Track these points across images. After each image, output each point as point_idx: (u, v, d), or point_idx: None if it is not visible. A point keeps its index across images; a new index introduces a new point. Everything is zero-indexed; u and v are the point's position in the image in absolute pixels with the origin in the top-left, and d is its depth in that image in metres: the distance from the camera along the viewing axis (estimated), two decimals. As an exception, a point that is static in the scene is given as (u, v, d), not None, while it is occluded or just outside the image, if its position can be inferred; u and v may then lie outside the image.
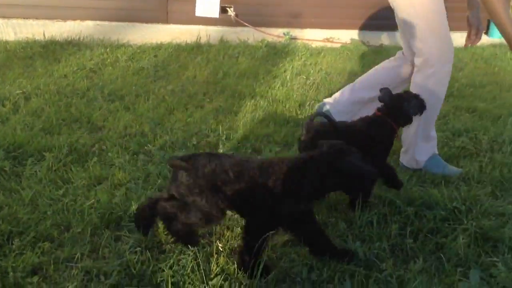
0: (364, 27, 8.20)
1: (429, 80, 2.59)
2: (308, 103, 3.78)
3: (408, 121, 2.40)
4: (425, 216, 2.18)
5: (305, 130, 2.24)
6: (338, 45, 6.62)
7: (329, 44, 6.72)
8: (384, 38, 7.29)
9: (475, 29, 2.76)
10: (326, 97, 4.05)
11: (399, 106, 2.33)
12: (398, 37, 7.54)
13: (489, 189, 2.48)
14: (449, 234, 2.03)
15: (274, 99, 3.83)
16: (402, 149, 2.80)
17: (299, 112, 3.52)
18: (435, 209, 2.23)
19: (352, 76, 4.90)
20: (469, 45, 2.85)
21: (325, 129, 2.28)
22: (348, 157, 1.63)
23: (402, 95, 2.41)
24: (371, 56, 6.06)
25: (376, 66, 3.11)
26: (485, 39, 7.91)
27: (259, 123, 3.27)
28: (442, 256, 1.88)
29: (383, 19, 8.32)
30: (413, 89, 2.60)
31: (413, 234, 2.05)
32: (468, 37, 2.81)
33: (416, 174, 2.65)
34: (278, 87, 4.17)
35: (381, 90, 2.37)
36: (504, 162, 2.81)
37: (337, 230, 2.05)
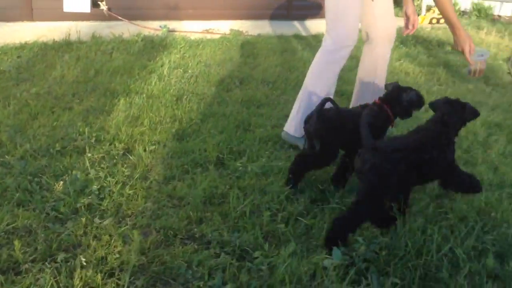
0: (243, 17, 8.32)
1: (324, 57, 2.87)
2: (185, 96, 3.73)
3: (406, 113, 2.48)
4: (297, 200, 2.27)
5: (316, 116, 2.31)
6: (218, 36, 6.63)
7: (208, 36, 6.70)
8: (262, 28, 7.45)
9: (412, 20, 3.08)
10: (205, 89, 4.06)
11: (397, 96, 2.44)
12: (276, 26, 7.76)
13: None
14: (318, 215, 2.12)
15: (150, 95, 3.73)
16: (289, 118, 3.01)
17: (175, 107, 3.46)
18: (307, 192, 2.33)
19: (232, 67, 4.94)
20: (409, 33, 3.18)
21: (330, 115, 2.36)
22: None
23: (403, 87, 2.51)
24: (250, 46, 6.16)
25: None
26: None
27: (133, 122, 3.15)
28: (310, 237, 1.97)
29: (262, 9, 8.54)
30: (313, 63, 2.94)
31: (285, 219, 2.11)
32: (406, 27, 3.14)
33: (290, 160, 2.73)
34: (155, 82, 4.06)
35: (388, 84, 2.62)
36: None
37: (212, 224, 2.05)
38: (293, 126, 2.94)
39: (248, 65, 5.13)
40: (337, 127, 2.33)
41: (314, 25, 8.42)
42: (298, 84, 4.29)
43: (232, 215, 2.11)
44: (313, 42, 6.59)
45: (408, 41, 6.78)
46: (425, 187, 2.41)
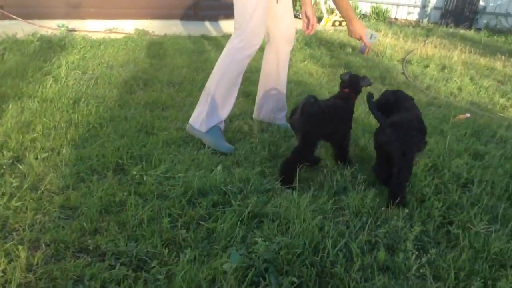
0: (149, 17, 8.13)
1: (231, 55, 2.89)
2: (83, 99, 3.55)
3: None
4: (199, 203, 2.24)
5: (300, 110, 2.48)
6: (121, 36, 6.42)
7: (112, 35, 6.46)
8: (169, 28, 7.32)
9: (312, 21, 3.13)
10: (105, 91, 3.89)
11: (357, 83, 2.83)
12: (183, 26, 7.67)
13: (258, 169, 2.65)
14: (220, 218, 2.11)
15: (44, 99, 3.50)
16: (194, 114, 3.00)
17: (71, 111, 3.27)
18: (210, 195, 2.30)
19: (136, 68, 4.79)
20: (311, 33, 3.22)
21: (313, 109, 2.49)
22: None
23: (357, 75, 2.89)
24: (156, 46, 6.03)
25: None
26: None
27: (24, 128, 2.93)
28: (212, 241, 1.95)
29: (169, 9, 8.39)
30: (219, 59, 2.96)
31: (186, 224, 2.07)
32: (306, 27, 3.17)
33: (194, 163, 2.69)
34: (50, 85, 3.83)
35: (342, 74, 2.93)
36: (272, 141, 3.06)
37: (108, 234, 1.95)
38: (199, 120, 2.95)
39: (154, 66, 5.01)
40: (320, 120, 2.53)
41: (223, 26, 8.46)
42: (204, 86, 4.27)
43: (130, 224, 2.03)
44: (221, 43, 6.59)
45: (312, 43, 7.03)
46: (323, 184, 2.50)
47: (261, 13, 2.84)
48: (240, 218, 2.09)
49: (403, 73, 5.64)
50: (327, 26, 9.67)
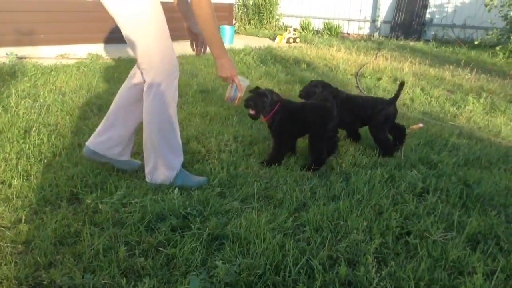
0: (102, 41, 8.03)
1: (157, 98, 2.50)
2: (34, 128, 3.45)
3: None
4: (157, 229, 2.19)
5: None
6: (74, 61, 6.30)
7: (64, 61, 6.33)
8: (123, 51, 7.24)
9: (200, 38, 2.86)
10: (58, 119, 3.79)
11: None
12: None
13: (218, 190, 2.63)
14: (179, 243, 2.07)
15: (-7, 130, 3.38)
16: (149, 167, 2.65)
17: (22, 141, 3.16)
18: (168, 220, 2.26)
19: (89, 93, 4.70)
20: (201, 54, 2.95)
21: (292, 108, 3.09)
22: None
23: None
24: (110, 70, 5.94)
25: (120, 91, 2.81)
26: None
27: (-29, 162, 2.81)
28: (172, 267, 1.91)
29: (120, 32, 8.33)
30: (146, 108, 2.54)
31: (144, 251, 2.03)
32: (196, 46, 2.90)
33: (151, 188, 2.64)
34: (0, 115, 3.69)
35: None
36: (230, 160, 3.05)
37: (63, 267, 1.88)
38: (159, 175, 2.64)
39: (108, 91, 4.93)
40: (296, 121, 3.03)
41: (181, 47, 8.46)
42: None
43: (86, 255, 1.96)
44: (181, 66, 6.57)
45: (267, 60, 7.12)
46: (283, 201, 2.50)
47: (164, 37, 2.47)
48: (200, 242, 2.06)
49: (357, 87, 5.77)
50: (282, 43, 9.83)
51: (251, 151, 3.29)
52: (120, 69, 6.01)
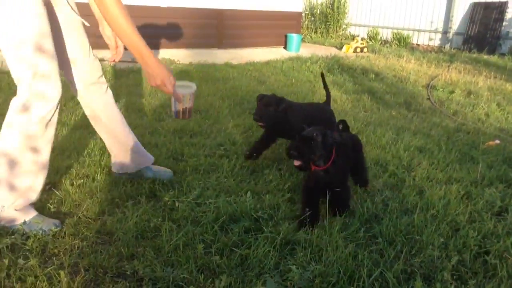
0: (173, 46, 8.32)
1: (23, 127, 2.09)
2: (115, 127, 3.64)
3: None
4: (231, 230, 2.26)
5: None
6: (148, 65, 6.60)
7: (138, 65, 6.63)
8: (193, 56, 7.49)
9: (116, 42, 2.54)
10: (136, 119, 3.98)
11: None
12: (207, 55, 7.82)
13: (288, 195, 2.67)
14: (252, 244, 2.12)
15: (77, 126, 3.62)
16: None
17: (104, 139, 3.35)
18: (241, 221, 2.32)
19: (163, 96, 4.90)
20: (117, 60, 2.59)
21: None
22: None
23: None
24: (182, 74, 6.15)
25: None
26: (284, 53, 8.73)
27: (60, 155, 3.03)
28: (246, 267, 1.96)
29: (193, 38, 8.59)
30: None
31: (219, 250, 2.09)
32: (115, 52, 2.56)
33: (223, 190, 2.72)
34: (82, 113, 3.93)
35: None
36: (300, 167, 3.07)
37: (144, 260, 1.98)
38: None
39: (180, 94, 5.11)
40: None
41: (245, 54, 8.61)
42: (230, 113, 4.35)
43: (166, 249, 2.06)
44: (245, 71, 6.71)
45: (334, 69, 7.09)
46: (354, 211, 2.49)
47: (47, 48, 2.04)
48: (273, 245, 2.10)
49: (429, 99, 5.63)
50: (349, 52, 9.75)
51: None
52: (191, 74, 6.22)
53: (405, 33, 12.09)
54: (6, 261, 1.87)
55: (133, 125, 3.78)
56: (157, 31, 8.12)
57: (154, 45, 7.99)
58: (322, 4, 12.93)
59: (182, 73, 6.27)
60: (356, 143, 2.73)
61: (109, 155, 3.11)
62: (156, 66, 2.09)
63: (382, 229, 2.28)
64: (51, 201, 2.44)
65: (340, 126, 2.80)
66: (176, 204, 2.48)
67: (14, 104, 2.09)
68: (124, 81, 5.45)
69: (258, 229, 2.29)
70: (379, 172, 3.05)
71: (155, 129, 3.78)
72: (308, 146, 2.25)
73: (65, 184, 2.62)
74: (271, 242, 2.14)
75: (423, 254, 2.09)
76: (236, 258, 2.03)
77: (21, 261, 1.90)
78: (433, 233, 2.27)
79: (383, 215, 2.46)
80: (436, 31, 11.94)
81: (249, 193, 2.61)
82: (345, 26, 13.05)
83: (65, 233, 2.15)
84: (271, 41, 9.65)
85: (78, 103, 4.28)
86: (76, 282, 1.79)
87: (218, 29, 8.93)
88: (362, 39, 11.02)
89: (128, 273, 1.90)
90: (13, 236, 2.05)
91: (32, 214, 2.20)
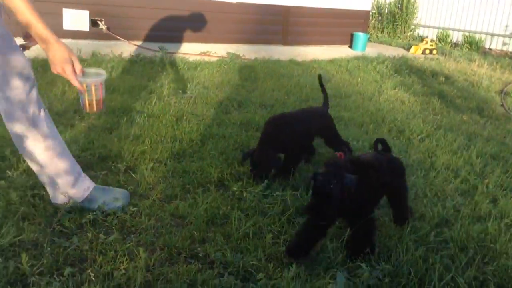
0: (239, 41, 8.44)
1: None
2: (185, 117, 3.77)
3: None
4: (298, 222, 2.29)
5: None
6: (215, 59, 6.72)
7: (206, 58, 6.79)
8: (258, 52, 7.56)
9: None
10: (204, 110, 4.10)
11: None
12: (272, 51, 7.89)
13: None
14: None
15: (150, 115, 3.76)
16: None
17: (175, 127, 3.48)
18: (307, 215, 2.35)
19: (230, 89, 5.00)
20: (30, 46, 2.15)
21: None
22: None
23: None
24: (247, 69, 6.24)
25: None
26: (350, 52, 8.62)
27: (135, 140, 3.17)
28: (313, 260, 1.98)
29: (258, 34, 8.68)
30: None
31: (286, 241, 2.13)
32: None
33: (289, 184, 2.76)
34: (154, 102, 4.10)
35: None
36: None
37: (215, 244, 2.05)
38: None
39: (246, 88, 5.19)
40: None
41: (310, 51, 8.59)
42: (296, 108, 4.36)
43: (235, 236, 2.12)
44: (310, 68, 6.70)
45: (402, 70, 6.93)
46: (424, 214, 2.45)
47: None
48: (340, 240, 2.11)
49: (502, 105, 5.38)
50: (417, 54, 9.49)
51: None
52: (256, 69, 6.29)
53: (477, 36, 11.58)
54: (89, 235, 2.00)
55: (201, 117, 3.90)
56: (225, 26, 8.26)
57: (220, 40, 8.14)
58: (390, 3, 12.64)
59: (246, 68, 6.35)
60: (396, 167, 2.27)
61: (180, 142, 3.24)
62: (57, 49, 1.85)
63: (454, 235, 2.23)
64: (128, 183, 2.57)
65: (379, 147, 2.31)
66: (244, 195, 2.55)
67: None
68: (192, 73, 5.60)
69: (325, 224, 2.30)
70: (450, 177, 2.97)
71: (222, 121, 3.87)
72: (328, 204, 1.85)
73: (140, 168, 2.75)
74: (338, 238, 2.15)
75: (496, 263, 2.03)
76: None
77: (102, 236, 2.02)
78: (507, 242, 2.19)
79: (454, 221, 2.40)
80: (511, 36, 11.35)
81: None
82: (413, 26, 12.67)
83: (141, 213, 2.26)
84: (337, 39, 9.56)
85: (150, 92, 4.48)
86: (153, 259, 1.89)
87: (284, 25, 8.95)
88: (431, 40, 10.65)
89: (200, 255, 1.98)
90: (94, 212, 2.19)
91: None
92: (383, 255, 2.03)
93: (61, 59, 1.87)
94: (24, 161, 2.61)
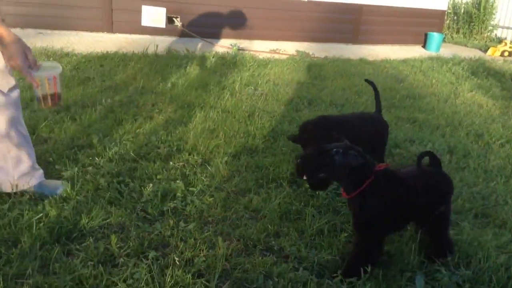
0: (309, 39, 8.43)
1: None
2: (257, 113, 3.83)
3: None
4: (372, 223, 2.27)
5: None
6: (285, 57, 6.76)
7: (276, 56, 6.84)
8: (328, 50, 7.51)
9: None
10: (274, 107, 4.15)
11: None
12: (342, 50, 7.82)
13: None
14: (395, 241, 2.11)
15: (224, 110, 3.86)
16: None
17: (248, 123, 3.55)
18: (381, 216, 2.32)
19: (300, 87, 5.02)
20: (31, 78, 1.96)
21: None
22: None
23: None
24: (317, 68, 6.22)
25: None
26: (423, 52, 8.35)
27: (209, 134, 3.27)
28: (388, 262, 1.97)
29: (328, 32, 8.62)
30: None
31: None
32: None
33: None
34: (227, 98, 4.20)
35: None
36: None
37: (289, 239, 2.09)
38: None
39: (316, 86, 5.18)
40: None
41: (382, 50, 8.41)
42: (367, 108, 4.31)
43: (309, 232, 2.14)
44: (381, 67, 6.57)
45: (479, 72, 6.63)
46: (506, 222, 2.35)
47: None
48: (417, 242, 2.07)
49: None
50: (495, 55, 9.02)
51: (465, 164, 3.15)
52: (325, 68, 6.25)
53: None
54: (171, 222, 2.10)
55: (272, 113, 3.95)
56: (295, 24, 8.28)
57: (290, 38, 8.17)
58: (467, 3, 12.08)
59: (316, 66, 6.33)
60: (441, 184, 1.96)
61: (253, 138, 3.30)
62: (10, 42, 1.82)
63: (538, 245, 2.12)
64: (204, 175, 2.66)
65: (424, 160, 1.99)
66: (317, 192, 2.56)
67: None
68: (263, 70, 5.67)
69: (399, 226, 2.27)
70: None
71: (293, 118, 3.89)
72: (319, 161, 1.79)
73: (215, 161, 2.83)
74: (413, 241, 2.11)
75: None
76: (378, 251, 2.04)
77: (182, 224, 2.12)
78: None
79: (538, 230, 2.29)
80: None
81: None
82: (491, 27, 12.04)
83: (217, 204, 2.34)
84: (409, 39, 9.28)
85: (223, 88, 4.59)
86: (230, 249, 1.95)
87: (355, 24, 8.83)
88: (511, 42, 10.08)
89: (275, 248, 2.02)
90: (174, 201, 2.29)
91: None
92: (462, 261, 1.98)
93: (14, 51, 1.83)
94: (110, 149, 2.79)
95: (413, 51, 8.36)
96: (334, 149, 1.76)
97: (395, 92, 5.11)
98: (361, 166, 1.75)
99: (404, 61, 7.22)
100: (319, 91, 4.99)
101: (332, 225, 2.22)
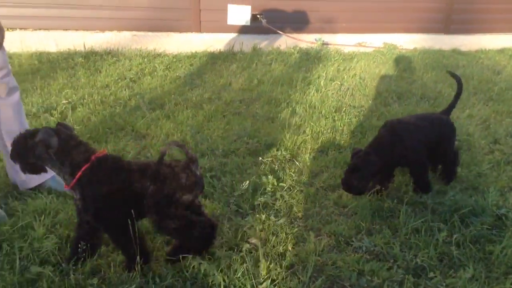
0: (396, 31, 8.13)
1: None
2: (344, 108, 3.77)
3: None
4: (471, 223, 2.15)
5: None
6: (371, 50, 6.58)
7: (361, 49, 6.68)
8: (417, 42, 7.20)
9: None
10: (362, 102, 4.06)
11: None
12: (432, 41, 7.46)
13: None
14: (497, 242, 1.99)
15: (310, 105, 3.84)
16: None
17: (336, 118, 3.51)
18: (482, 216, 2.19)
19: (388, 81, 4.87)
20: None
21: None
22: None
23: None
24: (406, 60, 6.00)
25: None
26: (522, 41, 7.73)
27: (296, 130, 3.28)
28: (490, 264, 1.86)
29: (417, 22, 8.26)
30: None
31: (458, 241, 2.02)
32: None
33: (458, 181, 2.60)
34: (313, 93, 4.17)
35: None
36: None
37: (382, 237, 2.04)
38: None
39: (405, 79, 4.99)
40: None
41: (476, 40, 7.90)
42: (463, 102, 4.09)
43: (403, 231, 2.08)
44: (476, 58, 6.18)
45: None
46: None
47: None
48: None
49: None
50: None
51: None
52: (416, 60, 6.00)
53: None
54: (262, 216, 2.14)
55: (360, 108, 3.87)
56: (381, 15, 8.03)
57: (376, 30, 7.94)
58: None
59: (404, 58, 6.09)
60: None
61: (341, 133, 3.26)
62: None
63: None
64: (292, 170, 2.67)
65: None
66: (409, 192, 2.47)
67: None
68: (348, 64, 5.56)
69: (501, 226, 2.13)
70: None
71: (382, 113, 3.78)
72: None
73: (303, 156, 2.83)
74: (517, 243, 1.97)
75: None
76: (480, 252, 1.94)
77: (272, 218, 2.15)
78: None
79: None
80: None
81: (492, 188, 2.44)
82: None
83: (306, 200, 2.34)
84: (506, 26, 8.63)
85: (308, 83, 4.57)
86: (322, 245, 1.95)
87: (446, 13, 8.37)
88: None
89: (368, 246, 1.98)
90: (264, 196, 2.33)
91: None
92: None
93: None
94: (201, 144, 2.89)
95: (510, 40, 7.76)
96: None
97: (493, 84, 4.78)
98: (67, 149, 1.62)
99: (501, 51, 6.72)
100: (409, 84, 4.81)
101: (428, 224, 2.14)
